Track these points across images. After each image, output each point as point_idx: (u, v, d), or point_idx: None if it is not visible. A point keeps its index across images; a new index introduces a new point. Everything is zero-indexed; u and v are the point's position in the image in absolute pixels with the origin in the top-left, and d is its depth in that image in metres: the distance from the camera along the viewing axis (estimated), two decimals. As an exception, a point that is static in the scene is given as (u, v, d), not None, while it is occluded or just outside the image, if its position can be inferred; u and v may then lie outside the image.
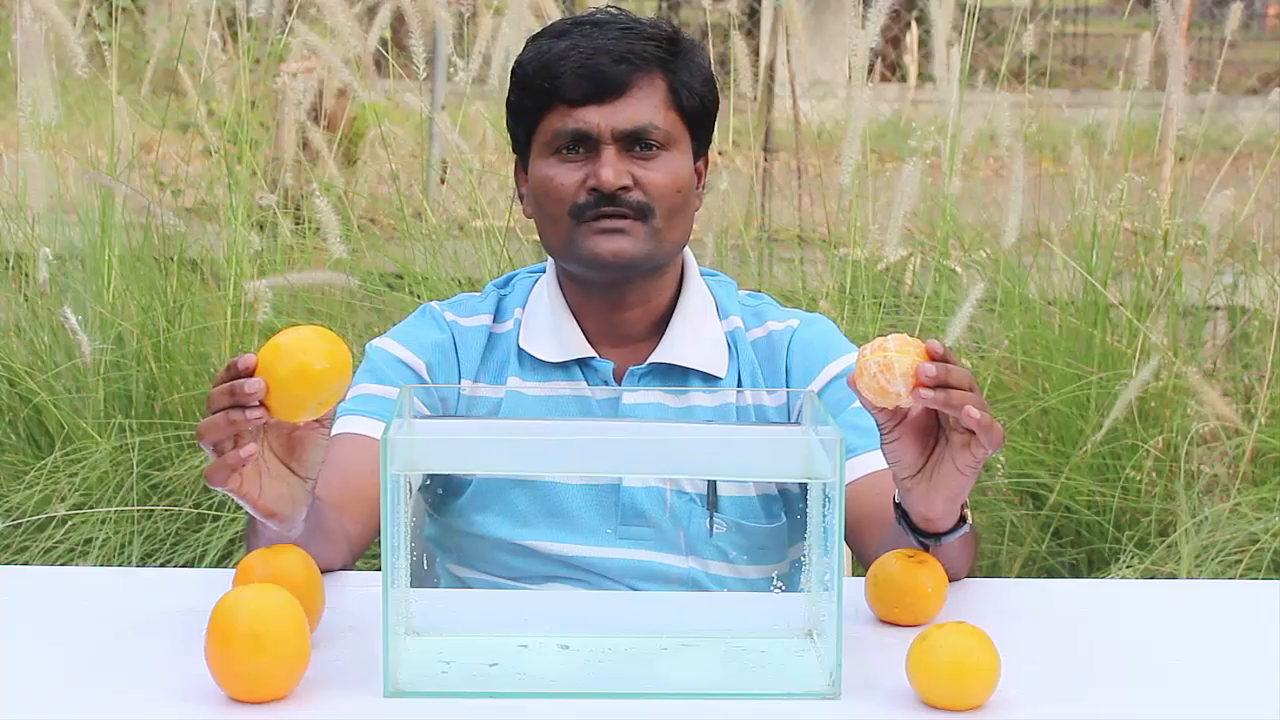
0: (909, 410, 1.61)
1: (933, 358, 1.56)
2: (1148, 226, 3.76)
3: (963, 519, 1.70)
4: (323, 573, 1.59)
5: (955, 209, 3.82)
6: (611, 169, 1.86)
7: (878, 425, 1.63)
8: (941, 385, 1.56)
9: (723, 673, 1.52)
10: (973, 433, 1.59)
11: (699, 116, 1.94)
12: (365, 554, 1.88)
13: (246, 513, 1.62)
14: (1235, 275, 3.86)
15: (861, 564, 1.84)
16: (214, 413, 1.52)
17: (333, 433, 1.90)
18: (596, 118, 1.87)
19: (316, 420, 1.58)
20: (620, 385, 1.95)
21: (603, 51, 1.87)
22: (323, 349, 1.51)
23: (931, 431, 1.63)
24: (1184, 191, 3.82)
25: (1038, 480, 3.42)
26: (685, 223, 1.93)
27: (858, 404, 1.90)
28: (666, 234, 1.90)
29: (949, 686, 1.42)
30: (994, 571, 3.36)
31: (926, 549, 1.69)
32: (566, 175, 1.88)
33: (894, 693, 1.45)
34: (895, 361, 1.56)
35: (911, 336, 1.59)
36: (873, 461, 1.85)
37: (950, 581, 1.67)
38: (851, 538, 1.86)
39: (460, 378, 1.96)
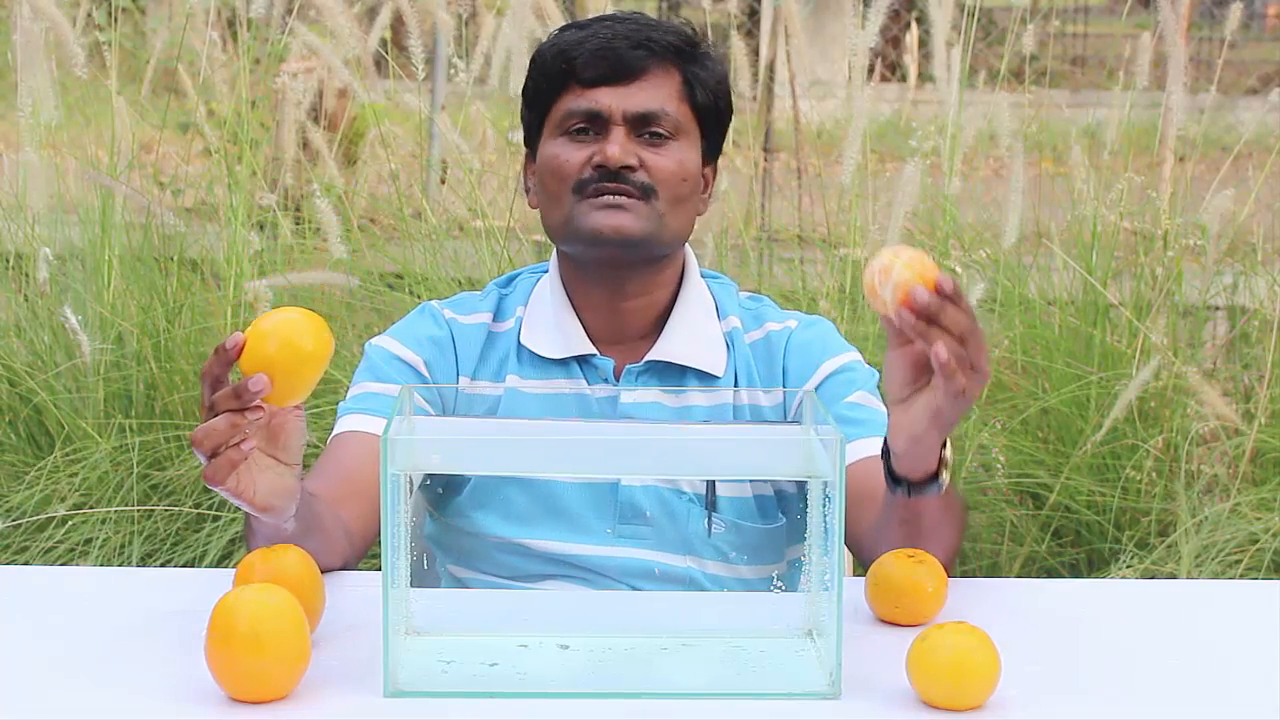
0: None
1: (937, 291, 1.55)
2: (1148, 226, 3.76)
3: (937, 479, 1.68)
4: (323, 571, 1.59)
5: (955, 209, 3.82)
6: (619, 146, 1.87)
7: (888, 331, 1.62)
8: (929, 318, 1.55)
9: (723, 673, 1.52)
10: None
11: (711, 115, 1.95)
12: (367, 554, 1.88)
13: (245, 513, 1.61)
14: (1235, 275, 3.86)
15: (849, 547, 1.84)
16: (214, 415, 1.52)
17: (334, 431, 1.92)
18: (609, 99, 1.89)
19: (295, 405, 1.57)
20: (619, 383, 1.95)
21: (621, 37, 1.90)
22: (310, 329, 1.51)
23: (927, 366, 1.62)
24: (1184, 191, 3.82)
25: (1038, 480, 3.42)
26: (688, 215, 1.93)
27: (851, 399, 1.91)
28: (669, 219, 1.90)
29: (949, 686, 1.42)
30: (994, 571, 3.36)
31: (896, 495, 1.68)
32: (573, 153, 1.90)
33: (894, 693, 1.45)
34: (895, 271, 1.54)
35: (937, 266, 1.56)
36: (865, 447, 1.85)
37: (942, 564, 1.67)
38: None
39: (458, 374, 1.96)
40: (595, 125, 1.90)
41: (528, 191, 2.00)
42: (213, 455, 1.52)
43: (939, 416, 1.61)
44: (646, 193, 1.88)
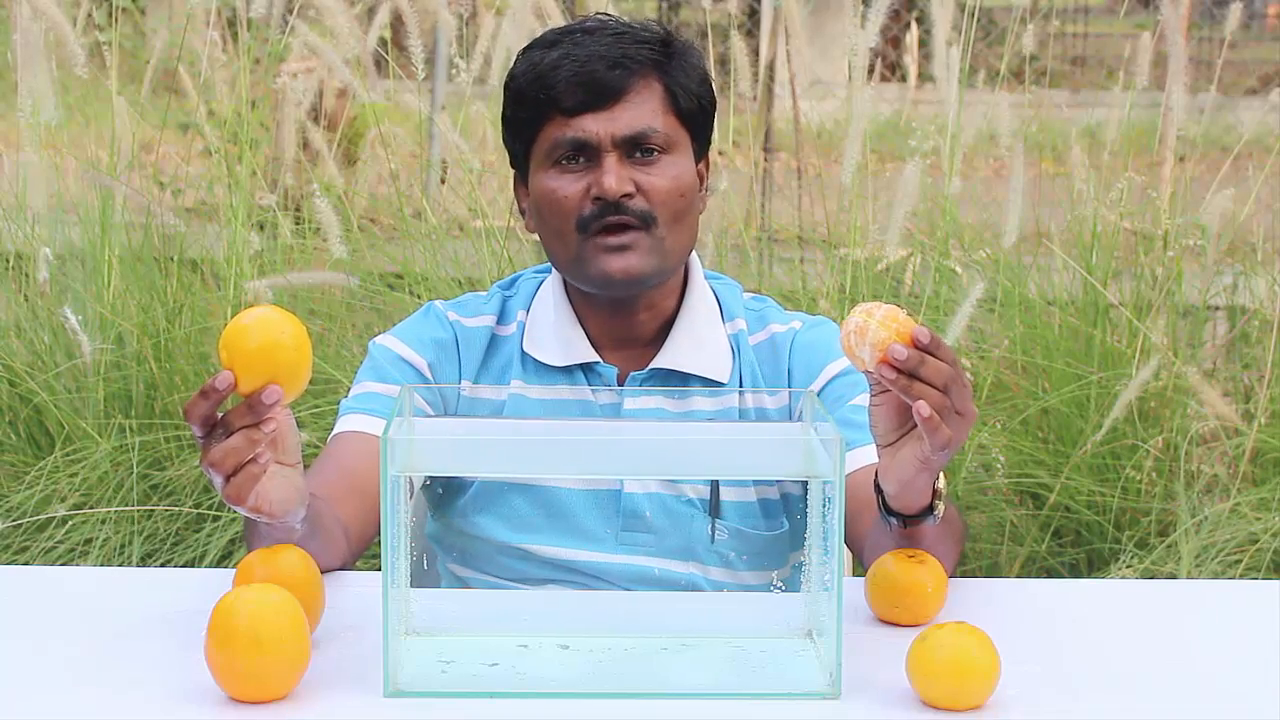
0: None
1: (915, 345, 1.54)
2: (1148, 226, 3.76)
3: (931, 511, 1.68)
4: (323, 572, 1.59)
5: (955, 209, 3.82)
6: (614, 176, 1.84)
7: (869, 382, 1.61)
8: (909, 373, 1.54)
9: (723, 673, 1.52)
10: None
11: (697, 118, 1.92)
12: (365, 554, 1.88)
13: (244, 515, 1.61)
14: (1235, 275, 3.86)
15: (849, 550, 1.84)
16: (226, 436, 1.50)
17: (334, 430, 1.92)
18: (595, 125, 1.85)
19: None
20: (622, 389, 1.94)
21: (596, 58, 1.85)
22: (286, 322, 1.50)
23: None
24: (1184, 191, 3.82)
25: (1038, 480, 3.42)
26: (689, 227, 1.91)
27: (855, 401, 1.90)
28: (671, 241, 1.88)
29: (949, 686, 1.42)
30: (994, 571, 3.36)
31: (890, 526, 1.68)
32: (569, 186, 1.86)
33: (894, 693, 1.45)
34: (870, 330, 1.54)
35: (913, 319, 1.56)
36: (867, 455, 1.84)
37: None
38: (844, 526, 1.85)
39: (461, 377, 1.96)
40: (585, 153, 1.86)
41: (523, 214, 1.97)
42: (232, 475, 1.51)
43: (927, 463, 1.59)
44: (646, 221, 1.85)
